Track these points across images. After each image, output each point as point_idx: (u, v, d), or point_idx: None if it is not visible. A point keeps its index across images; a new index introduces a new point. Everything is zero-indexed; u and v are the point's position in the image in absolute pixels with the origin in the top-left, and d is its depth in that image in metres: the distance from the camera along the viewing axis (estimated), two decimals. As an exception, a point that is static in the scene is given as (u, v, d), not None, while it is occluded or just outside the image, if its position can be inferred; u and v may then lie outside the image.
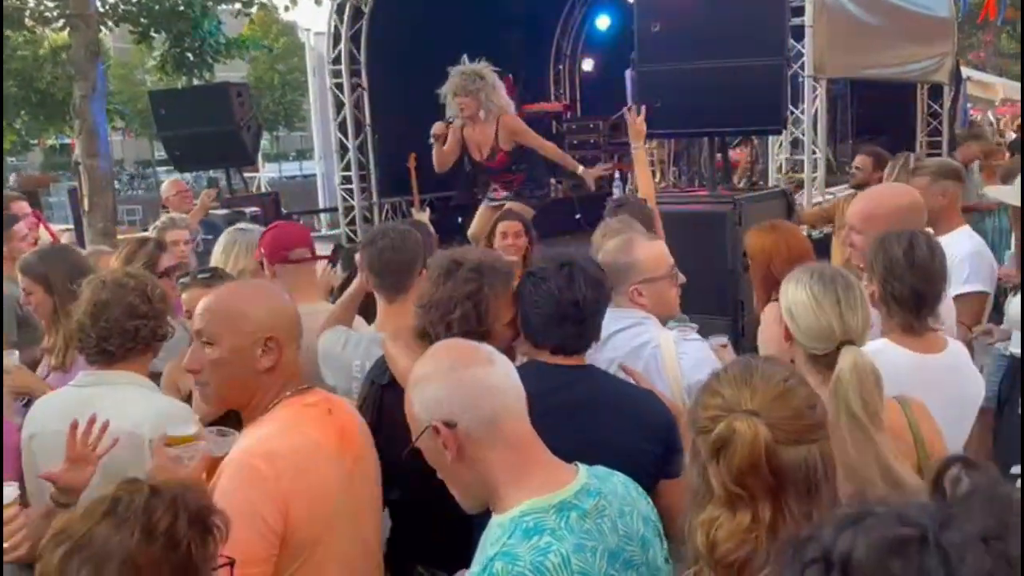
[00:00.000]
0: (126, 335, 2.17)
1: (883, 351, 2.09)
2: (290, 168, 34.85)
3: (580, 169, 5.69)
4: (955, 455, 0.70)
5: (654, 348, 2.35)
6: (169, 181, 6.65)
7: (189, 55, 10.18)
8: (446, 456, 1.44)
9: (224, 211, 6.72)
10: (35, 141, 28.27)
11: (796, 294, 1.92)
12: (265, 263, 3.07)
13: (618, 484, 1.56)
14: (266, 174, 23.79)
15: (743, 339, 4.42)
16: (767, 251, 3.10)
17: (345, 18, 8.78)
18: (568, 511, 1.43)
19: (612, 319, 2.39)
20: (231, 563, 1.34)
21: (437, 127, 5.51)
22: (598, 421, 1.84)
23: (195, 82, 10.36)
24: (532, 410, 1.51)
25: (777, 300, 3.03)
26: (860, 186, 5.64)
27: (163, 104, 8.03)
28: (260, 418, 1.82)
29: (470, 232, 5.74)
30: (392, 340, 2.23)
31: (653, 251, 2.49)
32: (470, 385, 1.45)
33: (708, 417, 1.34)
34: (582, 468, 1.53)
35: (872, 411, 1.69)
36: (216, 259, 3.54)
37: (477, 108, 5.42)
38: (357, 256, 2.91)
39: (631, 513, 1.53)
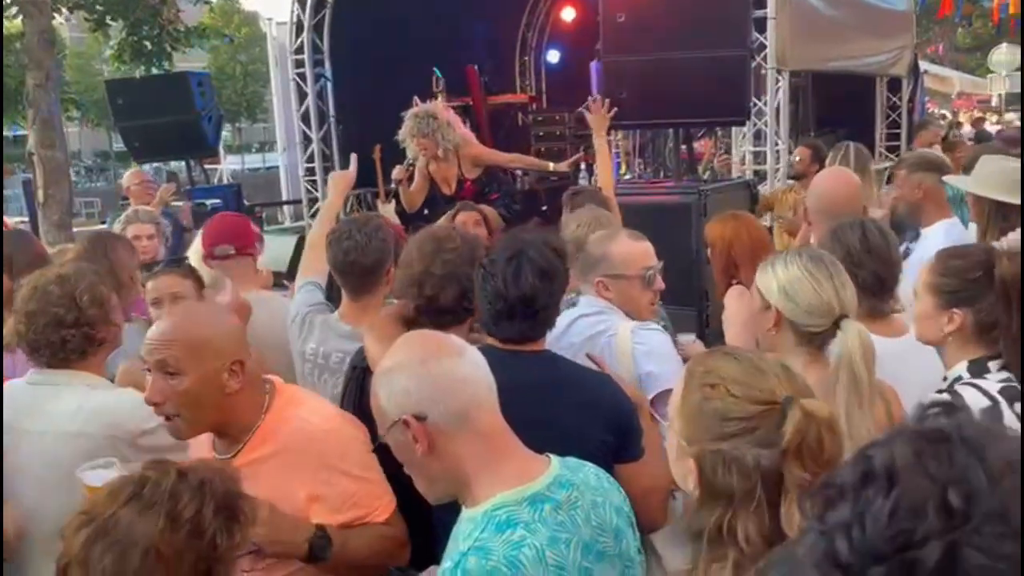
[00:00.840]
0: (53, 346, 2.13)
1: None
2: (253, 160, 34.39)
3: (551, 166, 5.84)
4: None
5: (610, 337, 2.35)
6: (131, 172, 6.51)
7: (147, 44, 9.95)
8: (416, 450, 1.41)
9: (183, 204, 6.60)
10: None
11: (790, 272, 1.92)
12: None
13: (590, 475, 1.55)
14: (228, 166, 23.43)
15: (708, 328, 4.46)
16: (727, 239, 3.16)
17: (307, 7, 8.66)
18: (541, 503, 1.41)
19: (581, 304, 2.45)
20: (256, 551, 1.36)
21: (397, 171, 5.61)
22: (553, 407, 1.82)
23: (154, 71, 10.14)
24: None
25: (739, 283, 3.11)
26: (797, 177, 5.80)
27: (120, 94, 7.83)
28: (283, 410, 1.88)
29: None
30: (370, 334, 2.23)
31: (627, 249, 2.48)
32: (441, 377, 1.43)
33: (758, 413, 1.25)
34: (554, 459, 1.51)
35: (871, 382, 1.75)
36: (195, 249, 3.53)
37: (435, 148, 5.52)
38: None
39: (604, 504, 1.52)
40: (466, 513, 1.45)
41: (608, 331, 2.36)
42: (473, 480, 1.43)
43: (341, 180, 3.38)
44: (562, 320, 2.35)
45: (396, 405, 1.42)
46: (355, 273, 2.61)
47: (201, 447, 1.92)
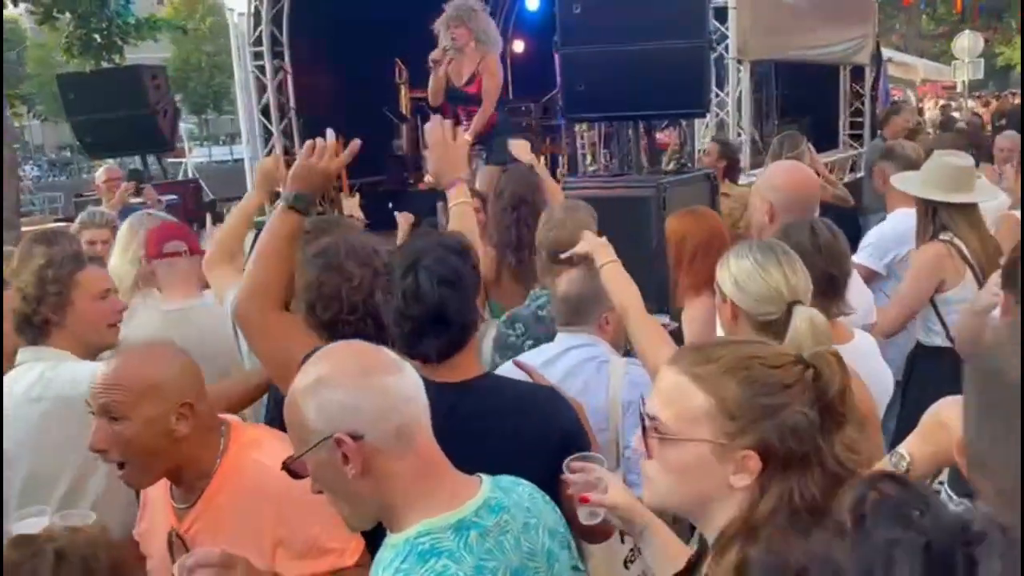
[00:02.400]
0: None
1: None
2: (221, 152, 33.91)
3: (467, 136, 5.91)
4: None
5: (602, 363, 2.39)
6: (103, 168, 6.51)
7: (96, 37, 9.70)
8: (345, 471, 1.32)
9: (140, 200, 6.46)
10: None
11: (739, 264, 1.97)
12: (144, 260, 3.12)
13: (523, 496, 1.49)
14: (194, 159, 23.10)
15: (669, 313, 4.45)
16: (680, 234, 3.14)
17: (265, -2, 8.51)
18: (467, 530, 1.35)
19: (566, 339, 2.47)
20: None
21: (435, 53, 5.77)
22: (494, 436, 1.68)
23: (104, 65, 9.92)
24: None
25: (702, 294, 3.07)
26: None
27: (72, 88, 7.66)
28: (239, 454, 1.79)
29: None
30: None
31: None
32: (383, 393, 1.34)
33: (790, 360, 1.24)
34: (486, 481, 1.45)
35: None
36: (118, 241, 3.43)
37: (469, 38, 5.66)
38: None
39: (536, 527, 1.46)
40: (389, 539, 1.38)
41: (600, 358, 2.41)
42: (402, 504, 1.36)
43: (263, 171, 3.17)
44: (551, 350, 2.41)
45: (327, 421, 1.32)
46: None
47: (158, 498, 1.84)
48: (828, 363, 1.22)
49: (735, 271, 1.98)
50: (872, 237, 3.83)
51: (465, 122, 6.19)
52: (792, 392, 1.20)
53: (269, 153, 8.92)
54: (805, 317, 1.77)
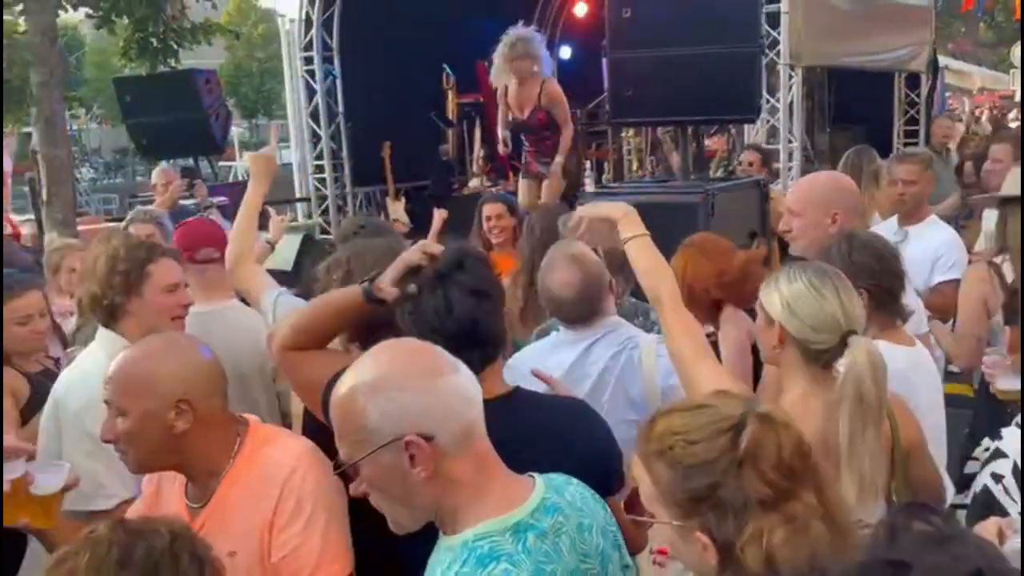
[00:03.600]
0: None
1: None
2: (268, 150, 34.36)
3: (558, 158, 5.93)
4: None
5: (631, 350, 2.27)
6: (159, 169, 6.62)
7: (153, 40, 9.92)
8: (412, 474, 1.29)
9: (192, 201, 6.59)
10: (8, 129, 27.79)
11: (793, 287, 1.84)
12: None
13: (576, 495, 1.46)
14: (244, 163, 23.54)
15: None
16: (679, 271, 2.88)
17: (316, 4, 8.63)
18: (525, 532, 1.32)
19: (577, 339, 2.34)
20: None
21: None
22: (525, 456, 1.53)
23: (161, 69, 10.14)
24: None
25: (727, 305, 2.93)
26: None
27: (129, 91, 7.86)
28: (254, 452, 1.76)
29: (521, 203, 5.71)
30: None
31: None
32: (448, 394, 1.31)
33: (718, 429, 1.19)
34: (539, 481, 1.42)
35: (880, 403, 1.69)
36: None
37: (532, 64, 5.77)
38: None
39: (590, 527, 1.43)
40: (444, 541, 1.35)
41: (628, 344, 2.30)
42: (460, 505, 1.33)
43: (259, 162, 2.96)
44: (568, 354, 2.30)
45: (394, 423, 1.28)
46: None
47: (172, 495, 1.82)
48: (764, 424, 1.16)
49: (787, 295, 1.84)
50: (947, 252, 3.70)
51: (530, 149, 6.18)
52: (718, 467, 1.16)
53: (319, 157, 9.03)
54: (863, 349, 1.69)
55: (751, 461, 1.16)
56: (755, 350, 2.79)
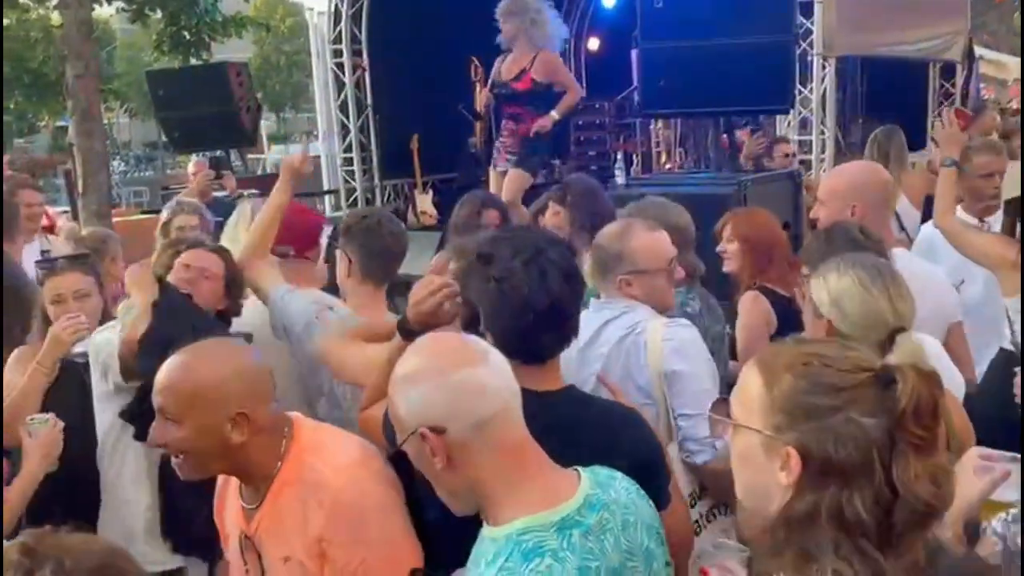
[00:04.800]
0: None
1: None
2: (298, 149, 34.64)
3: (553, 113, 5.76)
4: None
5: (637, 335, 2.21)
6: (193, 161, 6.74)
7: (185, 34, 10.01)
8: (435, 463, 1.35)
9: (224, 193, 6.64)
10: (43, 122, 28.21)
11: (842, 282, 1.83)
12: None
13: (621, 491, 1.45)
14: (273, 156, 23.70)
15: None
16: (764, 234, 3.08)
17: (345, -3, 8.66)
18: (570, 529, 1.33)
19: (598, 311, 2.29)
20: None
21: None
22: (571, 454, 1.51)
23: (193, 62, 10.23)
24: None
25: (755, 288, 3.00)
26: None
27: (160, 84, 7.94)
28: (299, 458, 1.73)
29: None
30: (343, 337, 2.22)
31: (649, 243, 2.32)
32: (460, 388, 1.34)
33: (859, 366, 1.16)
34: (584, 476, 1.42)
35: None
36: (228, 228, 3.53)
37: (514, 34, 5.58)
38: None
39: (635, 524, 1.43)
40: (487, 531, 1.36)
41: (636, 329, 2.24)
42: (496, 496, 1.35)
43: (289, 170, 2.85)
44: (586, 329, 2.22)
45: (414, 415, 1.35)
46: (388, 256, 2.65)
47: (231, 494, 1.85)
48: (907, 377, 1.13)
49: (835, 289, 1.83)
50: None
51: (505, 139, 5.99)
52: (846, 396, 1.13)
53: (347, 149, 9.07)
54: (908, 351, 1.63)
55: (912, 410, 1.12)
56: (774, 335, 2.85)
